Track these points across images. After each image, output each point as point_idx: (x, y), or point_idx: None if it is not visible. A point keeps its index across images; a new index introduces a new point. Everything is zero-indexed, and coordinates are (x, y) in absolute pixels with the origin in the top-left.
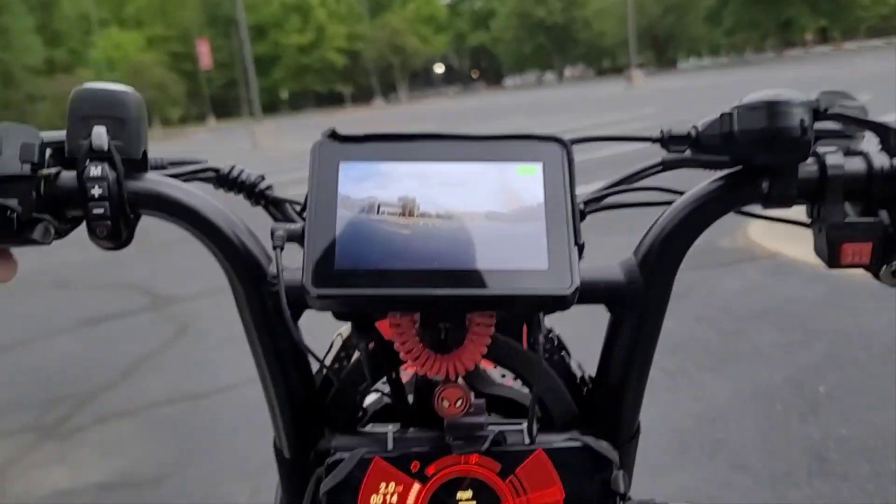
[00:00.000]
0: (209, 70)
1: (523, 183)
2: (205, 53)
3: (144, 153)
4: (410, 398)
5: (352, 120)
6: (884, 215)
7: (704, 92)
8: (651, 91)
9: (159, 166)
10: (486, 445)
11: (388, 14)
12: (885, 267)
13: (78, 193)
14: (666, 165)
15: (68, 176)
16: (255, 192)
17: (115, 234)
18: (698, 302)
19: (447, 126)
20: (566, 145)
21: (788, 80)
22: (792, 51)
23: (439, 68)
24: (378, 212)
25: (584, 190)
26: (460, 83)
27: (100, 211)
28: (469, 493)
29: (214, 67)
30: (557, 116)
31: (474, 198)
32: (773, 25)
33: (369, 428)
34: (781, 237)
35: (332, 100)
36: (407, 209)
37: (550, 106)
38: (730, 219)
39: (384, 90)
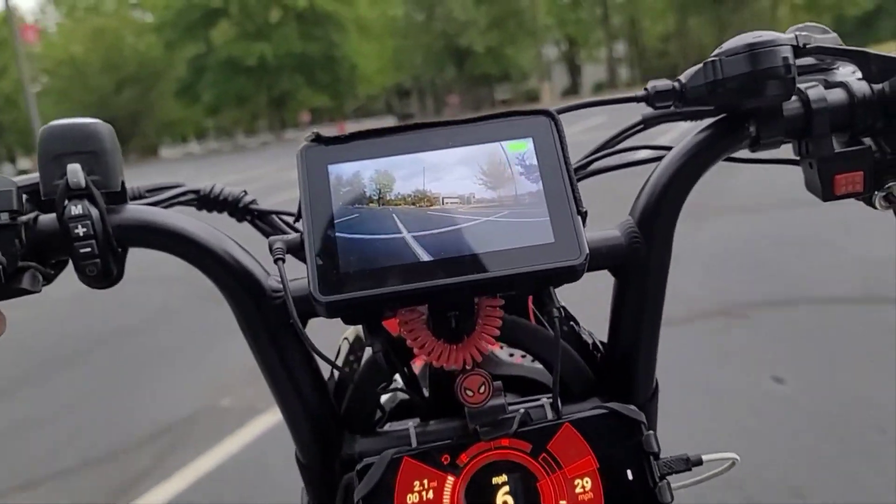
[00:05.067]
0: None
1: (516, 160)
2: None
3: (123, 184)
4: (424, 390)
5: None
6: (870, 143)
7: None
8: None
9: (137, 196)
10: (514, 427)
11: None
12: (877, 193)
13: (61, 235)
14: (647, 123)
15: (48, 219)
16: (239, 208)
17: (106, 271)
18: None
19: None
20: (553, 116)
21: None
22: (289, 133)
23: None
24: (375, 209)
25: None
26: None
27: (87, 250)
28: (504, 478)
29: None
30: None
31: (469, 182)
32: (264, 102)
33: (389, 427)
34: None
35: None
36: (403, 202)
37: None
38: None
39: None
